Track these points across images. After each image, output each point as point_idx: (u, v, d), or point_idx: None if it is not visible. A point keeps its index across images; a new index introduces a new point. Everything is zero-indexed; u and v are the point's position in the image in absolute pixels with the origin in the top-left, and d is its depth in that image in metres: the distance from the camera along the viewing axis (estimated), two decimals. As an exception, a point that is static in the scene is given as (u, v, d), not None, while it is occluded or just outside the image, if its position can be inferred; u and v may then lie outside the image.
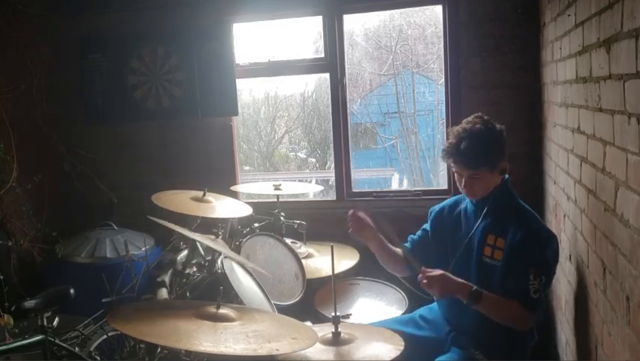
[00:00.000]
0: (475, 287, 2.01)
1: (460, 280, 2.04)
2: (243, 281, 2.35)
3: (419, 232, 2.42)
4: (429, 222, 2.41)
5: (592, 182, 1.84)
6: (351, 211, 2.33)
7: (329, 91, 3.60)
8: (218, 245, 2.08)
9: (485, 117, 2.16)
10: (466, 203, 2.26)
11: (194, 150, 3.78)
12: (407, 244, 2.40)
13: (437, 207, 2.41)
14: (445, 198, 2.46)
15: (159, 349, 1.91)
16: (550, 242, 2.06)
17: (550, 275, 2.06)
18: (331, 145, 3.76)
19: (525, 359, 2.16)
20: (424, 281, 2.02)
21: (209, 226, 2.67)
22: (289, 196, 3.57)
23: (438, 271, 2.04)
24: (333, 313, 1.86)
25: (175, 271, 2.31)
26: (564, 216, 2.41)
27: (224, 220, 2.76)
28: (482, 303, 2.01)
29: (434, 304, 2.41)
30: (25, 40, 3.45)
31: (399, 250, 2.35)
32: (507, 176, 2.20)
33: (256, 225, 2.98)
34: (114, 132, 3.88)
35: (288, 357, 1.67)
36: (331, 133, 3.66)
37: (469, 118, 2.17)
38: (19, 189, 3.17)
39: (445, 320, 2.30)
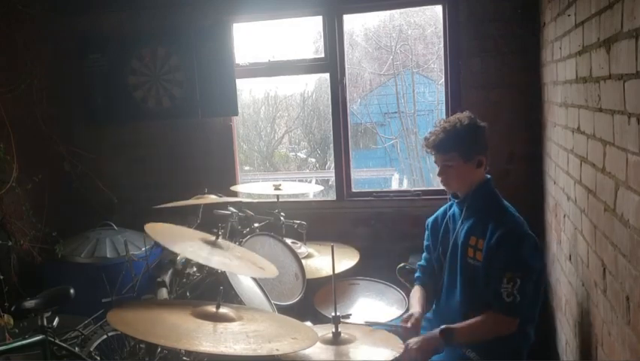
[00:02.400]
0: (440, 327, 2.03)
1: (423, 336, 2.05)
2: (243, 281, 2.35)
3: (424, 255, 2.46)
4: (426, 235, 2.44)
5: (592, 182, 1.84)
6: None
7: (329, 91, 3.60)
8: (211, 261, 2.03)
9: (470, 114, 2.21)
10: (454, 207, 2.29)
11: (194, 150, 3.78)
12: (418, 274, 2.45)
13: (431, 218, 2.45)
14: (444, 199, 2.47)
15: (159, 349, 1.91)
16: (524, 242, 2.05)
17: (528, 277, 2.02)
18: (331, 145, 3.76)
19: (520, 358, 2.16)
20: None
21: (209, 225, 2.67)
22: (289, 196, 3.57)
23: (407, 344, 2.02)
24: (333, 313, 1.86)
25: (175, 271, 2.30)
26: (564, 216, 2.41)
27: (225, 220, 2.76)
28: (457, 335, 2.02)
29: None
30: (25, 40, 3.45)
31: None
32: (489, 176, 2.22)
33: (256, 225, 2.98)
34: (114, 132, 3.88)
35: (288, 357, 1.67)
36: (331, 133, 3.66)
37: None
38: (19, 189, 3.17)
39: (442, 320, 2.31)
